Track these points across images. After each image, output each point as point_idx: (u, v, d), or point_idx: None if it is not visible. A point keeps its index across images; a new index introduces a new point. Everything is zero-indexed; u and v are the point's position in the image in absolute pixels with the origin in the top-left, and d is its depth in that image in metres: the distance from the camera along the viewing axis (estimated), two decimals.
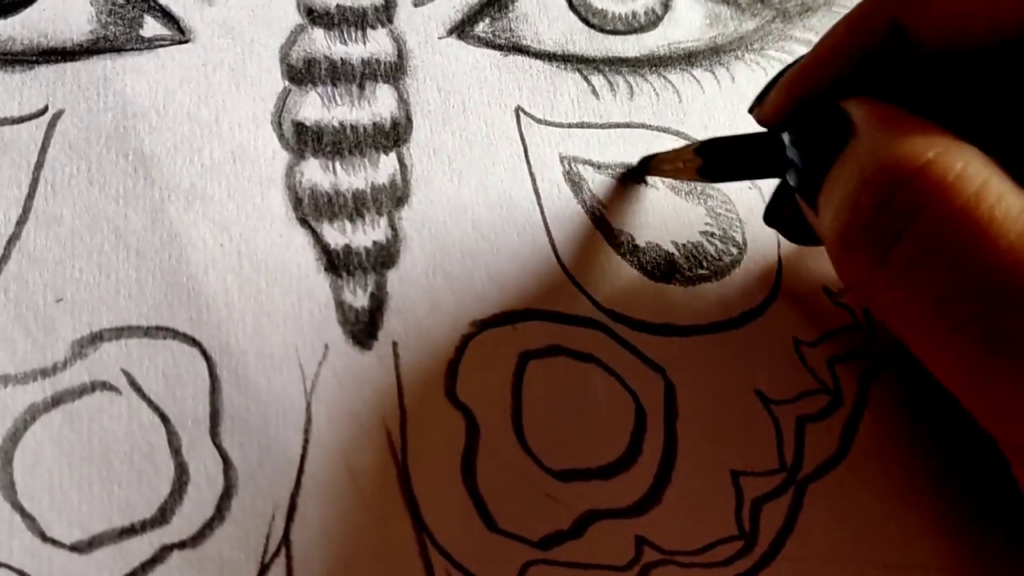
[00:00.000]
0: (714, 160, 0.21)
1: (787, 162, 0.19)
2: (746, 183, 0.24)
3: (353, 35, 0.24)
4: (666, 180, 0.24)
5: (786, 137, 0.19)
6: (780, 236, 0.24)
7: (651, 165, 0.24)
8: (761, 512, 0.21)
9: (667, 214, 0.24)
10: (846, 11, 0.19)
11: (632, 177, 0.24)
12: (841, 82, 0.19)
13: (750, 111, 0.21)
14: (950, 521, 0.21)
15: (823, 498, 0.21)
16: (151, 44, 0.23)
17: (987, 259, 0.14)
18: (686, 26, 0.26)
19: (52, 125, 0.22)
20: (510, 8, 0.25)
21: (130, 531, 0.19)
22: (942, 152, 0.15)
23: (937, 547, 0.21)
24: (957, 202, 0.15)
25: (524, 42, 0.25)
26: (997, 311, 0.14)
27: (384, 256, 0.22)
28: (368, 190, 0.22)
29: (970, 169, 0.15)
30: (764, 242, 0.24)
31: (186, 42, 0.23)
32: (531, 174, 0.23)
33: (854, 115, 0.17)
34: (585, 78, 0.25)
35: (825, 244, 0.18)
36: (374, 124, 0.23)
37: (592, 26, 0.25)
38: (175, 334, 0.20)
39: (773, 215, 0.23)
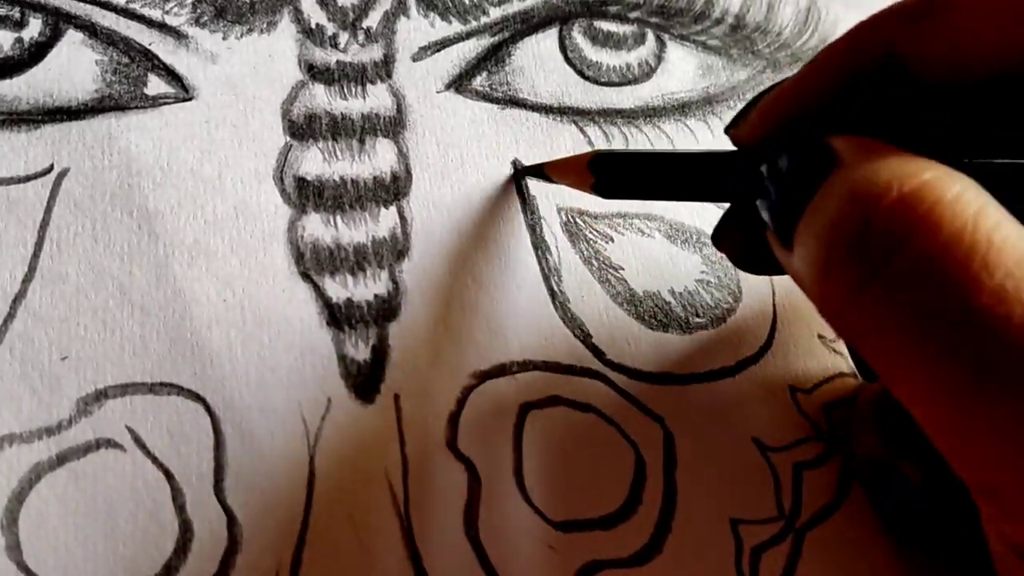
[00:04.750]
0: (609, 178, 0.21)
1: (762, 193, 0.18)
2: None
3: (353, 90, 0.24)
4: (661, 228, 0.25)
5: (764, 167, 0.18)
6: (774, 284, 0.24)
7: (546, 172, 0.23)
8: (761, 560, 0.21)
9: (663, 262, 0.24)
10: None
11: (529, 174, 0.24)
12: (825, 109, 0.18)
13: (726, 131, 0.20)
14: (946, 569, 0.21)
15: (822, 546, 0.21)
16: (155, 102, 0.23)
17: (984, 285, 0.14)
18: (679, 77, 0.26)
19: (57, 184, 0.22)
20: (506, 62, 0.26)
21: None
22: (938, 175, 0.15)
23: None
24: (955, 224, 0.14)
25: (521, 95, 0.25)
26: (990, 339, 0.14)
27: (385, 309, 0.22)
28: (369, 244, 0.23)
29: (967, 194, 0.15)
30: (759, 290, 0.24)
31: (190, 99, 0.23)
32: (529, 225, 0.24)
33: (838, 148, 0.16)
34: (581, 129, 0.25)
35: (801, 274, 0.17)
36: (374, 178, 0.23)
37: (587, 78, 0.26)
38: (179, 390, 0.20)
39: (721, 237, 0.22)
